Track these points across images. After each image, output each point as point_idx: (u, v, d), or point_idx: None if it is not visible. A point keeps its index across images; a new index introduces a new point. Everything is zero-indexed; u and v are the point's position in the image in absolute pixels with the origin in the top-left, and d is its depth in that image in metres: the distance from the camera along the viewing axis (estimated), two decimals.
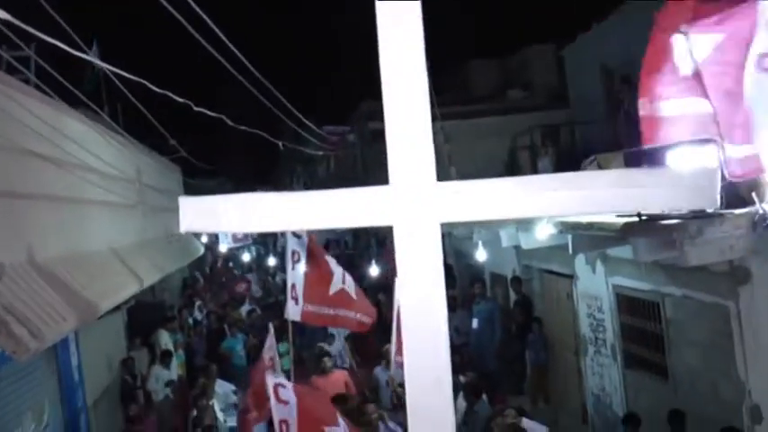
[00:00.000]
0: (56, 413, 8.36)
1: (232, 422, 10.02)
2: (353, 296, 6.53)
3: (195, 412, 9.37)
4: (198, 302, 18.12)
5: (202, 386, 10.37)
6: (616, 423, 8.35)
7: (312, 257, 6.41)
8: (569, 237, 7.08)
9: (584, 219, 6.46)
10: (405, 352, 1.93)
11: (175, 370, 11.78)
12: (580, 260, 8.83)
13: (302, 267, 6.41)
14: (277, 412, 5.18)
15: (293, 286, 6.34)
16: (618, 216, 5.84)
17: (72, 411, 8.74)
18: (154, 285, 16.71)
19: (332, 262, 6.48)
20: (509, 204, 1.94)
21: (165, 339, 12.47)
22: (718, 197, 1.80)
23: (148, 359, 12.30)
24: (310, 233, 6.51)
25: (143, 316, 13.46)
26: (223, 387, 10.83)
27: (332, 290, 6.45)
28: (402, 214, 1.92)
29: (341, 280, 6.45)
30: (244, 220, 1.93)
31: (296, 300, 6.32)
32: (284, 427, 5.14)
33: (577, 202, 1.90)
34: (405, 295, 1.92)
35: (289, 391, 5.30)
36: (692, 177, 1.80)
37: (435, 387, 1.91)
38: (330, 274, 6.45)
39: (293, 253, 6.34)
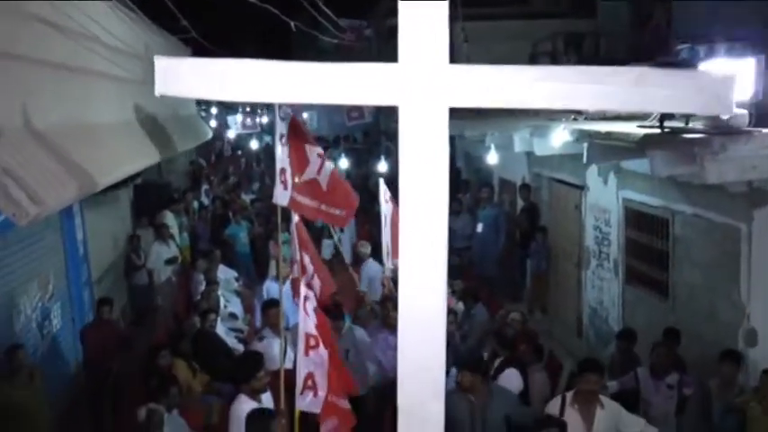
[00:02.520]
0: (61, 285, 8.49)
1: (233, 308, 10.19)
2: (324, 187, 6.15)
3: (198, 297, 9.49)
4: (204, 187, 18.15)
5: (205, 271, 10.49)
6: (610, 337, 8.43)
7: (292, 141, 6.05)
8: (584, 145, 6.88)
9: (603, 128, 6.25)
10: (401, 245, 1.81)
11: (175, 247, 11.87)
12: (592, 171, 8.66)
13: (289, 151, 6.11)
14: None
15: (282, 170, 6.04)
16: (638, 126, 5.64)
17: (77, 284, 8.88)
18: (161, 166, 16.71)
19: (311, 150, 6.08)
20: (523, 93, 1.78)
21: (170, 221, 12.50)
22: (733, 105, 1.74)
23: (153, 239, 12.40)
24: (293, 114, 6.17)
25: (149, 196, 13.49)
26: (225, 273, 10.95)
27: (304, 177, 6.11)
28: (409, 94, 1.76)
29: (316, 170, 6.10)
30: (228, 86, 1.76)
31: (285, 184, 6.05)
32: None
33: (593, 96, 1.78)
34: (404, 180, 1.78)
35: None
36: (710, 83, 1.74)
37: (429, 286, 1.81)
38: (306, 162, 6.09)
39: (281, 136, 6.04)
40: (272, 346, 6.85)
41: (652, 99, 1.77)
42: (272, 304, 7.44)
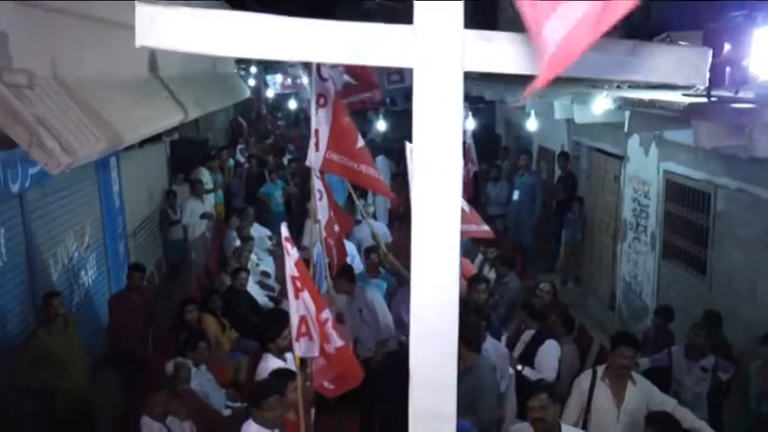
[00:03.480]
0: (97, 236, 8.61)
1: (265, 266, 10.25)
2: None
3: (231, 253, 9.55)
4: (241, 146, 18.18)
5: (239, 229, 10.55)
6: (643, 313, 8.29)
7: (338, 104, 5.99)
8: (626, 114, 6.66)
9: (646, 95, 6.02)
10: (413, 205, 1.74)
11: (211, 203, 11.94)
12: (634, 141, 8.42)
13: (328, 112, 6.03)
14: None
15: (316, 132, 5.97)
16: (683, 95, 5.41)
17: (112, 236, 9.00)
18: (198, 123, 16.78)
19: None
20: (533, 59, 1.70)
21: (205, 177, 12.56)
22: (707, 76, 1.87)
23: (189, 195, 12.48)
24: (338, 78, 6.10)
25: (186, 152, 13.55)
26: (259, 231, 10.99)
27: (358, 144, 6.08)
28: (423, 57, 1.69)
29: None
30: (226, 41, 1.66)
31: (317, 146, 6.00)
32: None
33: (597, 65, 1.79)
34: (417, 144, 1.71)
35: None
36: (689, 56, 1.89)
37: (442, 247, 1.75)
38: (353, 125, 6.10)
39: (318, 96, 5.96)
40: None
41: (642, 69, 1.86)
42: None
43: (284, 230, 4.25)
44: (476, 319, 5.62)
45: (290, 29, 1.68)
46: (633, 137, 8.25)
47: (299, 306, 4.35)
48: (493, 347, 5.78)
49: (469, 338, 4.98)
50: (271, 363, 5.76)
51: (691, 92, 5.39)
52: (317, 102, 5.91)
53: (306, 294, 4.33)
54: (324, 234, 6.80)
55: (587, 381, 5.00)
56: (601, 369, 5.02)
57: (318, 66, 5.78)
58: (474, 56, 1.72)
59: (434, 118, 1.71)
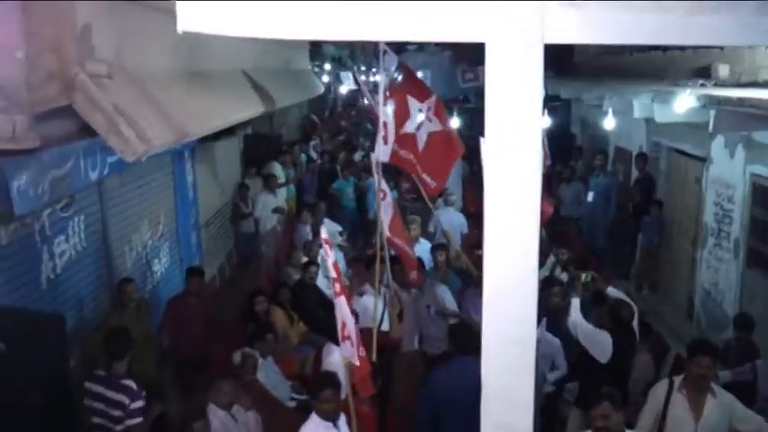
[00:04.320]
0: (170, 226, 8.81)
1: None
2: (420, 146, 5.92)
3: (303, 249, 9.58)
4: (314, 141, 18.34)
5: (310, 223, 10.61)
6: (723, 323, 7.89)
7: (397, 91, 5.83)
8: (712, 113, 6.33)
9: (734, 93, 5.71)
10: (486, 186, 1.61)
11: (283, 197, 12.07)
12: (718, 142, 8.02)
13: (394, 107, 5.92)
14: None
15: (384, 125, 5.87)
16: None
17: (185, 226, 9.20)
18: (272, 119, 17.01)
19: (413, 103, 5.84)
20: (629, 29, 1.54)
21: (277, 172, 12.72)
22: None
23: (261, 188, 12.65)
24: (399, 68, 5.93)
25: (259, 146, 13.76)
26: (330, 227, 11.03)
27: (404, 130, 5.91)
28: (498, 27, 1.54)
29: (416, 125, 5.87)
30: (276, 24, 1.59)
31: (386, 139, 5.88)
32: None
33: (708, 30, 1.61)
34: (491, 129, 1.57)
35: None
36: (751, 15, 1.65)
37: (518, 237, 1.61)
38: (408, 114, 5.87)
39: (385, 89, 5.87)
40: (370, 304, 6.81)
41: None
42: (373, 261, 7.39)
43: (323, 233, 4.24)
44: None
45: (356, 7, 1.61)
46: (718, 138, 7.86)
47: (339, 311, 4.32)
48: (545, 340, 5.91)
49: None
50: (335, 355, 5.76)
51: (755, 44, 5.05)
52: (385, 94, 5.83)
53: (341, 299, 4.28)
54: (387, 233, 6.73)
55: (663, 390, 4.77)
56: (678, 379, 4.78)
57: (385, 56, 5.69)
58: (556, 26, 1.57)
59: (511, 97, 1.59)
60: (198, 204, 9.63)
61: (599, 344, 5.72)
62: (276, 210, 11.48)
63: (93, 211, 6.62)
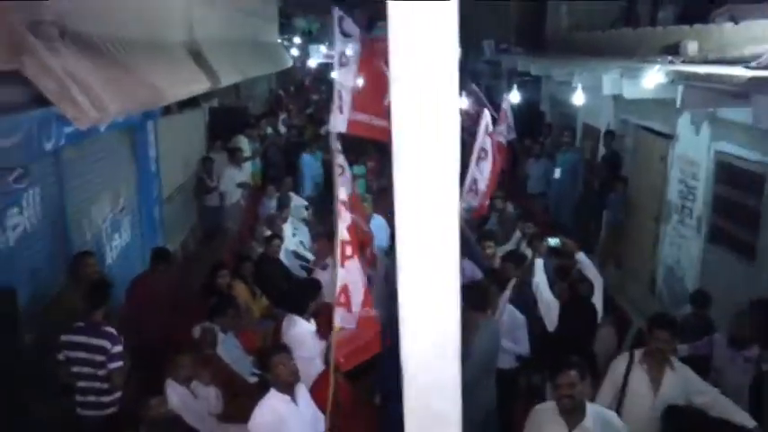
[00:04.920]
0: (131, 200, 8.62)
1: (301, 236, 10.17)
2: None
3: (266, 223, 9.47)
4: (282, 115, 18.11)
5: (276, 197, 10.49)
6: (685, 298, 7.97)
7: (366, 61, 5.63)
8: (679, 89, 6.32)
9: (703, 69, 5.70)
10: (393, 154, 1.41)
11: (248, 171, 11.90)
12: (685, 119, 8.06)
13: (350, 71, 5.70)
14: None
15: (339, 94, 5.69)
16: (745, 67, 5.09)
17: (147, 200, 9.01)
18: (239, 92, 16.75)
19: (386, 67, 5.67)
20: None
21: (243, 145, 12.54)
22: None
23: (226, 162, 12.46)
24: (363, 34, 5.73)
25: (225, 119, 13.54)
26: (296, 201, 10.92)
27: (386, 99, 5.77)
28: None
29: None
30: None
31: (341, 109, 5.71)
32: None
33: None
34: (397, 105, 1.34)
35: None
36: None
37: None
38: (386, 83, 5.72)
39: (341, 55, 5.67)
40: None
41: None
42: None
43: (342, 194, 4.05)
44: (486, 287, 5.65)
45: None
46: (684, 115, 7.89)
47: (344, 274, 4.18)
48: (509, 315, 5.99)
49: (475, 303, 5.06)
50: (297, 328, 5.69)
51: (753, 64, 5.07)
52: (340, 61, 5.65)
53: (354, 261, 4.16)
54: (342, 210, 6.63)
55: (623, 364, 4.79)
56: (638, 353, 4.81)
57: (341, 21, 5.52)
58: None
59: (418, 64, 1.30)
60: (160, 178, 9.42)
61: (548, 311, 5.88)
62: (241, 185, 11.33)
63: (50, 182, 6.41)
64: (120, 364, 5.27)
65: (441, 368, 1.59)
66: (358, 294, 4.25)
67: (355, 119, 5.69)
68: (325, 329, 5.71)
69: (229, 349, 6.06)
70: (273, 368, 4.33)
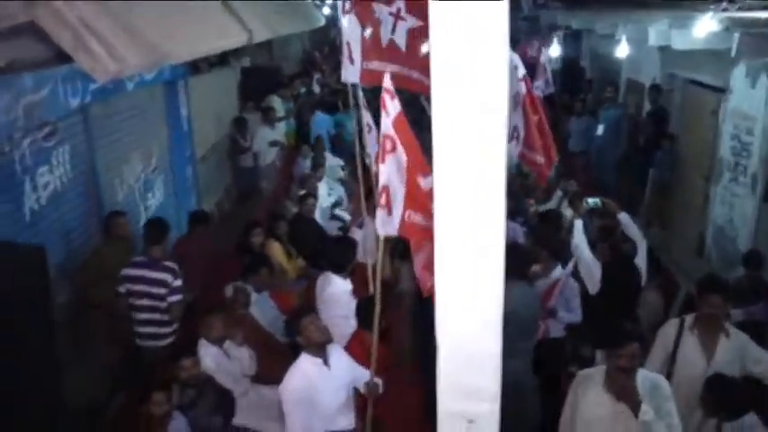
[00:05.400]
0: (164, 160, 8.52)
1: (336, 196, 10.00)
2: (403, 48, 5.25)
3: (299, 182, 9.32)
4: (316, 75, 17.84)
5: (311, 157, 10.34)
6: (736, 260, 7.64)
7: (364, 5, 5.21)
8: (735, 37, 5.91)
9: (762, 14, 5.30)
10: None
11: (282, 131, 11.73)
12: (739, 71, 7.58)
13: (353, 17, 5.32)
14: None
15: (347, 45, 5.34)
16: None
17: (180, 160, 8.90)
18: (272, 52, 16.51)
19: (379, 8, 5.17)
20: None
21: (277, 105, 12.35)
22: None
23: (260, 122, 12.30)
24: None
25: (258, 79, 13.34)
26: (331, 161, 10.73)
27: (383, 41, 5.34)
28: None
29: (390, 29, 5.22)
30: None
31: (351, 59, 5.36)
32: None
33: None
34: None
35: None
36: None
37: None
38: (378, 22, 5.27)
39: (344, 2, 5.30)
40: (370, 237, 6.56)
41: None
42: (371, 193, 7.11)
43: (386, 81, 3.67)
44: (526, 252, 5.36)
45: None
46: (739, 66, 7.43)
47: (384, 171, 3.80)
48: (568, 285, 5.59)
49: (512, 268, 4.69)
50: (335, 286, 5.53)
51: None
52: (343, 8, 5.29)
53: (395, 156, 3.70)
54: (374, 167, 6.40)
55: (673, 330, 4.53)
56: (689, 318, 4.54)
57: None
58: None
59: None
60: (193, 138, 9.30)
61: (589, 274, 5.55)
62: (274, 143, 11.16)
63: (79, 141, 6.31)
64: (179, 297, 5.53)
65: (480, 344, 1.46)
66: (399, 196, 3.79)
67: (368, 68, 5.33)
68: (360, 289, 5.55)
69: (263, 309, 5.94)
70: (303, 330, 4.18)
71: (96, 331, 6.01)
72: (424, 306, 5.14)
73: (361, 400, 4.56)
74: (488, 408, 1.50)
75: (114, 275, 5.67)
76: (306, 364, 4.16)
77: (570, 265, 5.69)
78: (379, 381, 4.44)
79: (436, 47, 1.19)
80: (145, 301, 5.52)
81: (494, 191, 1.30)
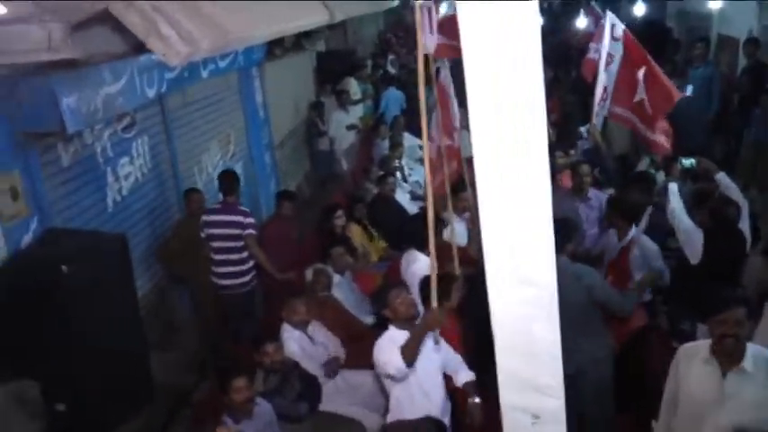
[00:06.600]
0: (242, 146, 8.59)
1: (416, 176, 9.85)
2: None
3: (378, 163, 9.22)
4: (391, 56, 17.68)
5: (389, 137, 10.22)
6: None
7: None
8: None
9: None
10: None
11: (358, 114, 11.65)
12: None
13: None
14: None
15: (428, 12, 5.15)
16: None
17: (258, 146, 8.96)
18: (347, 35, 16.43)
19: None
20: None
21: (353, 88, 12.27)
22: None
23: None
24: None
25: (334, 63, 13.28)
26: (410, 141, 10.57)
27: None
28: None
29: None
30: None
31: (431, 29, 5.19)
32: None
33: None
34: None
35: None
36: None
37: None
38: None
39: None
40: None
41: None
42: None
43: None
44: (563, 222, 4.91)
45: None
46: None
47: None
48: (641, 245, 5.31)
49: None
50: (419, 263, 5.38)
51: None
52: None
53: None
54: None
55: None
56: None
57: None
58: None
59: None
60: (270, 124, 9.33)
61: (690, 242, 5.15)
62: (351, 127, 11.09)
63: (158, 131, 6.42)
64: (253, 231, 5.90)
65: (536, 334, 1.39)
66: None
67: (442, 42, 5.17)
68: (445, 267, 5.39)
69: (345, 291, 5.88)
70: (391, 303, 4.04)
71: (182, 318, 6.12)
72: (476, 293, 4.94)
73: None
74: (554, 403, 1.44)
75: (194, 249, 5.84)
76: (395, 334, 4.02)
77: (642, 224, 5.35)
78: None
79: (467, 49, 1.26)
80: (222, 243, 5.89)
81: (538, 188, 1.29)
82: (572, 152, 8.31)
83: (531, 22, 1.18)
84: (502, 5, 1.17)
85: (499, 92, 1.22)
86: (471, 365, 4.45)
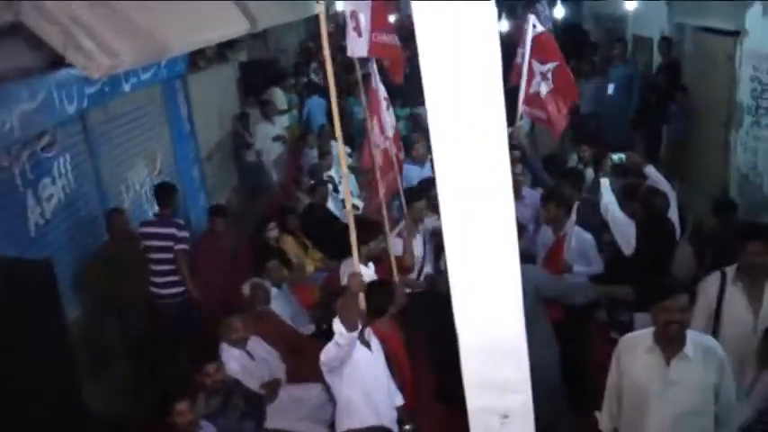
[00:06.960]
0: (168, 162, 8.34)
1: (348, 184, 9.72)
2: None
3: (308, 173, 9.12)
4: (314, 64, 17.60)
5: (317, 146, 10.12)
6: (764, 208, 7.39)
7: None
8: None
9: None
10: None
11: (283, 124, 11.51)
12: (754, 12, 7.28)
13: None
14: None
15: (352, 14, 5.04)
16: None
17: (185, 161, 8.72)
18: (269, 44, 16.25)
19: None
20: None
21: (279, 98, 12.12)
22: None
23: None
24: None
25: (257, 73, 13.09)
26: (337, 148, 10.49)
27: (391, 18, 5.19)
28: None
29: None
30: None
31: (359, 32, 5.08)
32: None
33: None
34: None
35: None
36: None
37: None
38: None
39: None
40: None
41: None
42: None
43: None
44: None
45: None
46: (753, 6, 7.15)
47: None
48: (577, 238, 5.43)
49: None
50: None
51: None
52: None
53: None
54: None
55: (715, 284, 4.26)
56: (731, 270, 4.26)
57: None
58: None
59: None
60: (196, 137, 9.10)
61: (623, 234, 5.30)
62: (276, 138, 10.95)
63: (81, 149, 6.14)
64: (184, 246, 6.13)
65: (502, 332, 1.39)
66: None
67: (377, 40, 5.06)
68: (385, 276, 5.34)
69: (283, 304, 5.77)
70: (341, 309, 3.85)
71: (112, 345, 5.90)
72: (436, 297, 4.95)
73: None
74: (521, 399, 1.42)
75: (120, 273, 5.67)
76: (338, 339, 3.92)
77: (573, 216, 5.47)
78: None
79: (424, 50, 1.22)
80: (158, 255, 6.09)
81: (499, 188, 1.30)
82: None
83: (489, 21, 1.18)
84: (458, 5, 1.16)
85: (457, 93, 1.23)
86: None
